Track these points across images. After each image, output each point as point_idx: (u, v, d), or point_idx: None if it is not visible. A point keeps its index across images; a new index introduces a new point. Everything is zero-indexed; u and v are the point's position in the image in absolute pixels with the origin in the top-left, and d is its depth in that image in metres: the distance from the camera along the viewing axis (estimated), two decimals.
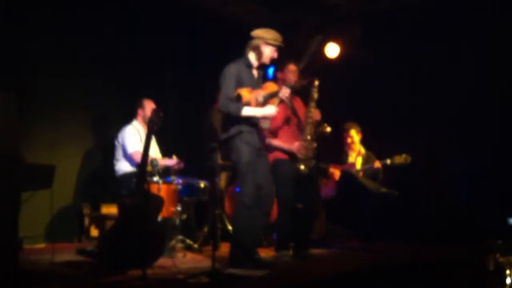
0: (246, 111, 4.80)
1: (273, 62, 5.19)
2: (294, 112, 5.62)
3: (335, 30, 7.71)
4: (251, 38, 5.01)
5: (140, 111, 6.20)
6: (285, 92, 4.96)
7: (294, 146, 5.45)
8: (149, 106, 6.09)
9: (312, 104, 5.57)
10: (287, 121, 5.55)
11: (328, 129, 5.63)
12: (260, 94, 4.88)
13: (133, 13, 7.13)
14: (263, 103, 4.90)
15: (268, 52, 5.00)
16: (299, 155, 5.44)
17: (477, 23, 6.97)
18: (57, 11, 6.50)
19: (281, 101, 4.99)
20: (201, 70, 7.66)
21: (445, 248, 6.25)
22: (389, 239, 6.68)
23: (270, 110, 4.88)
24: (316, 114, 5.56)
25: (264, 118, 4.94)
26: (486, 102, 6.97)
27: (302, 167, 5.44)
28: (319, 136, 5.60)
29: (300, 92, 5.70)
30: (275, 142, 5.49)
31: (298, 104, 5.74)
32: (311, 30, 7.39)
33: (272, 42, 4.98)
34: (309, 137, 5.51)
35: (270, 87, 5.00)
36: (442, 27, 7.26)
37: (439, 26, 7.28)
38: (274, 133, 5.50)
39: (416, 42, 7.40)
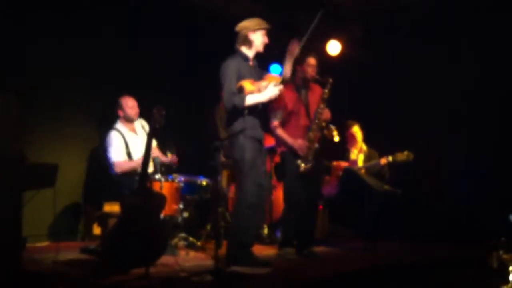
0: (250, 99, 4.78)
1: (277, 60, 5.20)
2: (306, 106, 5.63)
3: (335, 30, 7.73)
4: (237, 33, 5.02)
5: (120, 112, 6.07)
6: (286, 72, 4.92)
7: (297, 143, 5.44)
8: (125, 103, 6.02)
9: (323, 103, 5.59)
10: (294, 113, 5.56)
11: (337, 138, 5.62)
12: (262, 85, 4.86)
13: (133, 13, 7.13)
14: None
15: (258, 38, 5.00)
16: (300, 153, 5.45)
17: (477, 23, 6.99)
18: (57, 11, 6.50)
19: (284, 81, 4.93)
20: (201, 70, 7.66)
21: (447, 247, 6.26)
22: (391, 239, 6.67)
23: (273, 90, 4.82)
24: (325, 114, 5.58)
25: (270, 100, 4.91)
26: (486, 102, 6.98)
27: (302, 165, 5.44)
28: (325, 139, 5.62)
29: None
30: (282, 134, 5.50)
31: (316, 95, 5.71)
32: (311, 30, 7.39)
33: (257, 27, 4.99)
34: (313, 138, 5.52)
35: (272, 77, 4.97)
36: (442, 27, 7.28)
37: (439, 26, 7.30)
38: (283, 123, 5.52)
39: (416, 42, 7.42)
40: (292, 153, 5.47)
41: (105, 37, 6.93)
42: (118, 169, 5.76)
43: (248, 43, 5.00)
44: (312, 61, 5.59)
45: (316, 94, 5.72)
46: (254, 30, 4.97)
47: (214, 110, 6.75)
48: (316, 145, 5.52)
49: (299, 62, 5.50)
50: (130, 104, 6.03)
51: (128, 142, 5.93)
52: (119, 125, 6.03)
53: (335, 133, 5.58)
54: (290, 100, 5.51)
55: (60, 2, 6.50)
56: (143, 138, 5.91)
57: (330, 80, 5.59)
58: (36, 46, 6.29)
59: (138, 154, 5.81)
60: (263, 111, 5.02)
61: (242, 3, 7.49)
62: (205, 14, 7.57)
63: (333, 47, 7.70)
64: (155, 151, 6.07)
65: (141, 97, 6.29)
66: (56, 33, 6.48)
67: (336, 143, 5.65)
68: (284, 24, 6.92)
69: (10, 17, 6.11)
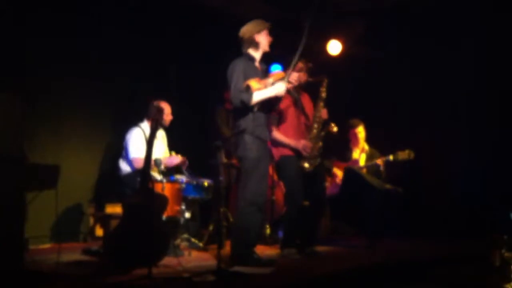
0: (258, 95, 4.82)
1: (279, 59, 5.20)
2: (301, 108, 5.63)
3: (336, 28, 7.72)
4: (242, 38, 5.07)
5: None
6: (293, 76, 4.98)
7: (300, 144, 5.45)
8: (166, 110, 6.03)
9: (321, 103, 5.60)
10: (292, 115, 5.56)
11: (335, 129, 5.65)
12: (269, 81, 4.90)
13: (133, 13, 7.11)
14: None
15: (264, 39, 5.06)
16: (304, 153, 5.45)
17: (477, 23, 6.99)
18: (57, 11, 6.48)
19: (290, 83, 4.99)
20: (202, 70, 7.66)
21: (448, 246, 6.27)
22: (392, 237, 6.67)
23: (280, 87, 4.88)
24: (323, 113, 5.59)
25: (277, 97, 4.95)
26: (487, 101, 6.99)
27: (306, 165, 5.45)
28: (326, 136, 5.62)
29: (308, 89, 5.73)
30: (281, 137, 5.48)
31: (306, 100, 5.75)
32: (313, 28, 7.40)
33: (261, 27, 5.05)
34: (315, 136, 5.53)
35: (278, 74, 5.03)
36: (442, 27, 7.28)
37: (439, 26, 7.30)
38: (280, 127, 5.52)
39: (416, 41, 7.42)
40: (294, 155, 5.47)
41: (105, 37, 6.91)
42: (136, 165, 5.76)
43: (255, 45, 5.06)
44: (300, 64, 5.57)
45: (305, 98, 5.76)
46: (259, 31, 5.04)
47: (215, 110, 6.75)
48: (320, 144, 5.54)
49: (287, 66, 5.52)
50: (167, 111, 6.04)
51: None
52: (145, 125, 6.02)
53: (333, 126, 5.62)
54: (286, 102, 5.51)
55: (60, 2, 6.48)
56: (161, 144, 6.10)
57: (325, 79, 5.61)
58: (36, 46, 6.27)
59: (161, 152, 5.96)
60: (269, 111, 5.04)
61: (243, 2, 7.48)
62: (206, 14, 7.55)
63: (334, 47, 7.69)
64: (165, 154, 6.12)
65: (141, 97, 6.29)
66: (56, 33, 6.46)
67: (337, 135, 5.67)
68: (285, 22, 6.90)
69: (10, 17, 6.09)
